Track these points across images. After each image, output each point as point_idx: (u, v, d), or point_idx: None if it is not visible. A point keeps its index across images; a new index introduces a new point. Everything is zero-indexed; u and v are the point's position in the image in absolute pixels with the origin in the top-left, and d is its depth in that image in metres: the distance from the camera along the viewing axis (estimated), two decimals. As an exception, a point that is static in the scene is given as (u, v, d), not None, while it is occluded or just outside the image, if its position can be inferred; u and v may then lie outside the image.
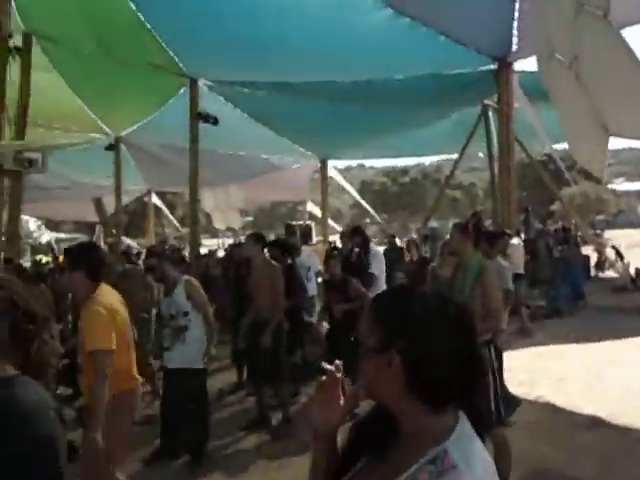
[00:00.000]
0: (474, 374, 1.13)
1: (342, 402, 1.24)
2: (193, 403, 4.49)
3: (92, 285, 3.20)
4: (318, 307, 7.06)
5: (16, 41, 7.88)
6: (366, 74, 9.43)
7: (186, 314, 4.45)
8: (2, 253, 7.54)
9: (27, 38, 8.38)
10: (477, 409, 1.16)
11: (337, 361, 1.28)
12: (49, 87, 9.84)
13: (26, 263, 10.13)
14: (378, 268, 6.32)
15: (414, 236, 13.29)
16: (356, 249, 6.41)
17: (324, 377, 1.25)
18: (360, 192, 26.43)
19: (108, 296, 3.27)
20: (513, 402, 3.84)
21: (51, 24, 7.95)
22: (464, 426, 1.10)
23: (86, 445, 2.93)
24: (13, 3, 6.78)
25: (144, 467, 4.51)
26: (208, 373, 4.86)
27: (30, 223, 23.49)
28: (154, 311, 6.34)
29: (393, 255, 10.17)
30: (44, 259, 11.38)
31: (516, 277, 7.07)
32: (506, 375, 3.87)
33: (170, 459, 4.61)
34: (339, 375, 1.25)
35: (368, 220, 34.02)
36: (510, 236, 7.76)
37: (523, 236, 11.99)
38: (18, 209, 8.50)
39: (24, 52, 8.18)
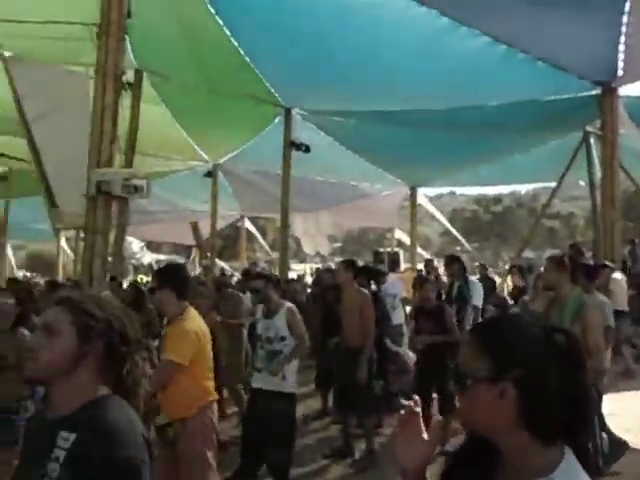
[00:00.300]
0: (585, 406, 1.09)
1: (426, 436, 1.21)
2: (280, 426, 4.53)
3: (179, 303, 3.46)
4: (406, 336, 6.96)
5: (128, 77, 8.56)
6: (459, 101, 9.33)
7: (283, 339, 4.54)
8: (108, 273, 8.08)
9: (138, 74, 9.07)
10: (584, 447, 1.11)
11: (415, 396, 1.26)
12: (156, 118, 10.56)
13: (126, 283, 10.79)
14: (478, 300, 6.15)
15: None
16: (452, 278, 6.27)
17: (403, 412, 1.22)
18: (450, 220, 25.92)
19: (197, 319, 3.54)
20: (619, 447, 3.56)
21: (161, 61, 8.55)
22: (571, 461, 1.06)
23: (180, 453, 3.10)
24: (128, 43, 7.36)
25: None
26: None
27: (134, 245, 25.02)
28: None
29: (485, 286, 9.83)
30: (145, 279, 12.09)
31: (619, 314, 6.60)
32: (609, 421, 3.61)
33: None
34: (418, 410, 1.22)
35: (458, 248, 33.19)
36: (612, 269, 7.28)
37: (630, 270, 11.19)
38: (123, 232, 9.10)
39: (135, 87, 8.83)
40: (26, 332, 4.09)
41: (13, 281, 9.64)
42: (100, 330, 1.57)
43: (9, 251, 17.29)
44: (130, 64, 8.65)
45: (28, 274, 18.95)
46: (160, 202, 15.11)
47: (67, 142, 5.36)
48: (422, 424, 1.22)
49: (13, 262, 18.86)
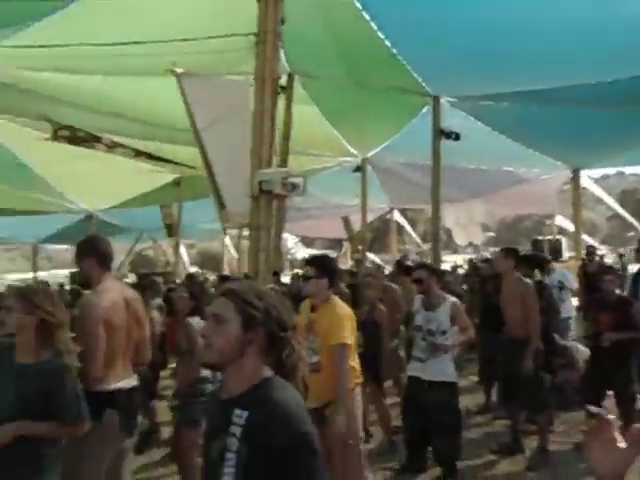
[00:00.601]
0: None
1: (623, 444, 1.13)
2: (444, 416, 4.50)
3: (328, 292, 3.78)
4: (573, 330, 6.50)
5: (281, 80, 9.02)
6: (627, 72, 8.44)
7: (444, 333, 4.54)
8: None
9: (290, 77, 9.54)
10: None
11: (606, 402, 1.18)
12: (307, 118, 10.99)
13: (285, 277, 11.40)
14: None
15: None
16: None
17: (594, 421, 1.16)
18: (620, 203, 23.57)
19: (344, 305, 3.83)
20: None
21: (310, 63, 8.88)
22: None
23: (335, 434, 3.41)
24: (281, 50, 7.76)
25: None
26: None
27: (288, 240, 26.27)
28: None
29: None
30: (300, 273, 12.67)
31: None
32: None
33: (416, 472, 4.69)
34: (611, 417, 1.15)
35: (632, 233, 30.06)
36: None
37: None
38: (281, 228, 9.64)
39: (288, 90, 9.30)
40: (197, 320, 4.52)
41: (190, 277, 10.67)
42: (261, 319, 1.73)
43: (182, 250, 19.08)
44: (283, 69, 9.11)
45: (199, 270, 20.76)
46: (313, 199, 15.69)
47: (232, 147, 5.80)
48: (617, 431, 1.15)
49: (186, 260, 20.80)
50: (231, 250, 21.94)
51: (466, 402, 6.47)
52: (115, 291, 3.45)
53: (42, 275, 22.24)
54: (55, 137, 10.41)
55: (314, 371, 3.53)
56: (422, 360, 4.59)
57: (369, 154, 14.20)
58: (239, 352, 1.71)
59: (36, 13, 6.57)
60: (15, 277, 27.60)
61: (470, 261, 14.93)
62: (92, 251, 3.47)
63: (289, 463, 1.59)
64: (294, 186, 5.61)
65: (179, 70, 5.77)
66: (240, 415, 1.66)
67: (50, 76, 9.15)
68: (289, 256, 26.20)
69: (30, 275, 22.18)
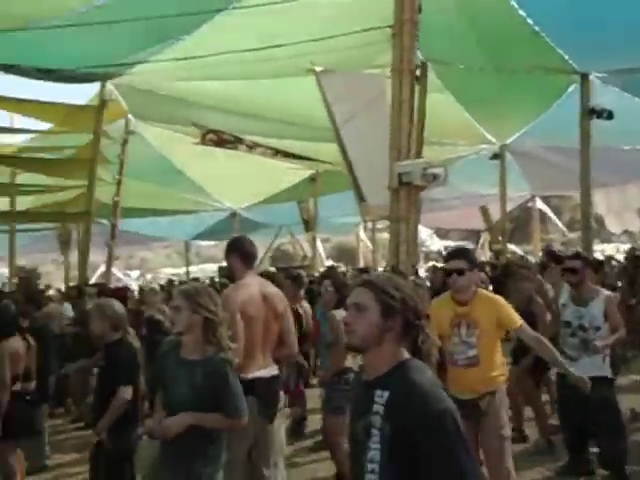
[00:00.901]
0: None
1: None
2: (606, 414, 4.19)
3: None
4: None
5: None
6: None
7: (598, 329, 4.24)
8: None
9: (424, 67, 9.37)
10: None
11: None
12: (441, 107, 10.74)
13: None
14: None
15: None
16: None
17: None
18: None
19: None
20: None
21: (447, 51, 8.68)
22: None
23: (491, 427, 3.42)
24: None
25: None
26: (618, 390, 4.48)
27: (422, 232, 25.93)
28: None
29: None
30: (437, 265, 12.47)
31: None
32: None
33: (578, 475, 4.42)
34: None
35: None
36: None
37: None
38: (417, 220, 9.51)
39: (422, 79, 9.15)
40: (341, 312, 4.60)
41: (331, 269, 10.99)
42: (399, 308, 1.86)
43: (319, 244, 19.63)
44: (416, 59, 8.98)
45: (335, 264, 21.25)
46: (448, 189, 15.33)
47: (370, 140, 5.85)
48: None
49: (322, 253, 21.37)
50: (367, 243, 22.15)
51: (631, 402, 5.94)
52: (253, 286, 3.72)
53: (192, 270, 24.08)
54: (203, 141, 11.20)
55: (471, 365, 3.51)
56: (573, 358, 4.29)
57: (508, 140, 13.57)
58: (379, 338, 1.85)
59: (187, 27, 7.12)
60: (170, 272, 30.25)
61: (631, 250, 13.65)
62: (237, 250, 3.81)
63: (427, 441, 1.69)
64: (434, 177, 5.53)
65: (318, 68, 5.93)
66: (381, 395, 1.80)
67: (198, 85, 9.89)
68: (423, 248, 25.86)
69: (183, 270, 24.15)
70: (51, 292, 12.57)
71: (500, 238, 15.63)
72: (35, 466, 5.35)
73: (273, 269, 12.95)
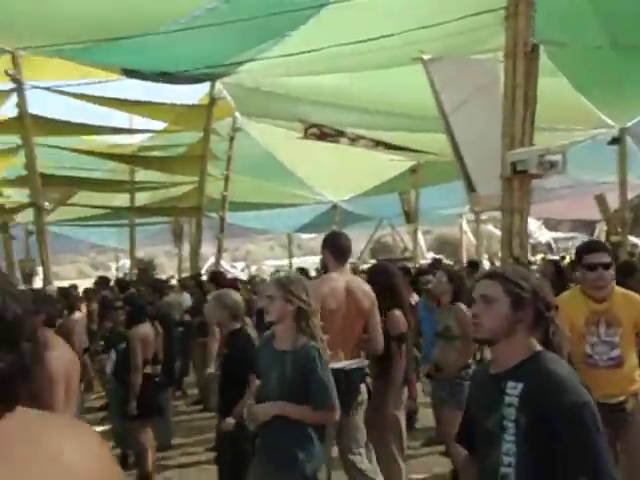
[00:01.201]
0: None
1: None
2: None
3: None
4: None
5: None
6: None
7: None
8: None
9: (535, 49, 8.87)
10: None
11: None
12: (552, 91, 10.13)
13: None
14: None
15: None
16: None
17: None
18: None
19: None
20: None
21: (561, 30, 8.18)
22: None
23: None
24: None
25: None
26: None
27: (531, 223, 24.75)
28: None
29: None
30: (545, 257, 11.82)
31: None
32: None
33: None
34: None
35: None
36: None
37: None
38: (527, 210, 9.06)
39: (533, 62, 8.67)
40: (463, 306, 4.50)
41: (437, 261, 10.81)
42: (529, 299, 1.83)
43: (420, 236, 19.34)
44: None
45: (437, 256, 20.86)
46: (561, 177, 14.49)
47: (481, 128, 5.64)
48: None
49: (423, 246, 21.04)
50: (470, 235, 21.52)
51: None
52: (338, 280, 3.84)
53: (295, 262, 24.64)
54: (306, 135, 11.37)
55: (615, 367, 3.32)
56: None
57: (628, 123, 12.58)
58: (509, 330, 1.83)
59: (293, 23, 7.23)
60: (273, 263, 31.13)
61: None
62: (330, 245, 4.00)
63: (564, 433, 1.66)
64: (552, 164, 5.23)
65: (426, 57, 5.80)
66: (514, 387, 1.77)
67: (300, 80, 10.04)
68: (531, 240, 24.71)
69: (286, 262, 24.76)
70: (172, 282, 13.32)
71: (619, 229, 14.56)
72: (162, 445, 5.74)
73: (373, 261, 12.93)
